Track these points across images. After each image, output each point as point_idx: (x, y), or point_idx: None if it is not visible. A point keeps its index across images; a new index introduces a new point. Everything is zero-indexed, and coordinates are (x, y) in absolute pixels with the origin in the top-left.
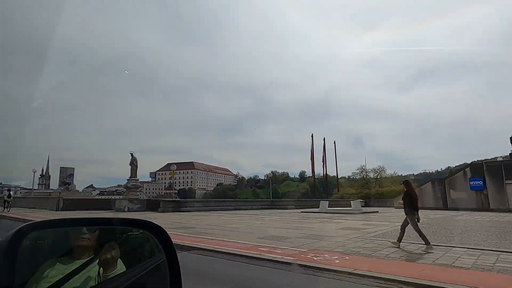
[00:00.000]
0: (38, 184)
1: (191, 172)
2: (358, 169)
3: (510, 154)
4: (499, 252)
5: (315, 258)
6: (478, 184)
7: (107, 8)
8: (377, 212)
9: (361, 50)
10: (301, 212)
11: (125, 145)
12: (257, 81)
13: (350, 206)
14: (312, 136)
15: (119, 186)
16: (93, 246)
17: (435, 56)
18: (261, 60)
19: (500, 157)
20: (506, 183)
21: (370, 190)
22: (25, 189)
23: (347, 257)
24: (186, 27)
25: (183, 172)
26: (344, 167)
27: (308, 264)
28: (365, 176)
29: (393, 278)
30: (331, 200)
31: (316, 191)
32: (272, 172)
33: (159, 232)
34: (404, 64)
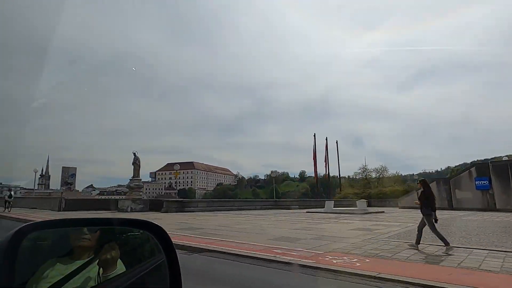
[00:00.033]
0: (38, 184)
1: (191, 172)
2: (360, 169)
3: None
4: None
5: (335, 261)
6: (484, 184)
7: (107, 8)
8: (383, 212)
9: (361, 50)
10: (306, 212)
11: (125, 145)
12: (257, 81)
13: (353, 206)
14: (314, 135)
15: (119, 186)
16: (94, 247)
17: (435, 56)
18: (261, 60)
19: (506, 156)
20: None
21: (373, 190)
22: (25, 189)
23: (367, 260)
24: (186, 27)
25: (183, 172)
26: (344, 167)
27: (328, 267)
28: (367, 176)
29: (421, 283)
30: (334, 200)
31: (317, 191)
32: (272, 172)
33: (159, 232)
34: (404, 64)
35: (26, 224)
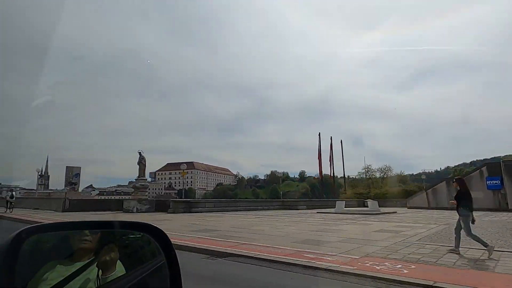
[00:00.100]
0: (38, 184)
1: (191, 172)
2: (363, 169)
3: None
4: None
5: (378, 268)
6: (496, 183)
7: (107, 8)
8: (395, 212)
9: (361, 50)
10: (317, 212)
11: (125, 145)
12: (257, 81)
13: (360, 207)
14: (319, 135)
15: (119, 186)
16: (94, 249)
17: (435, 56)
18: (261, 60)
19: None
20: None
21: (379, 190)
22: (25, 189)
23: (412, 266)
24: (186, 27)
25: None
26: (344, 166)
27: (374, 274)
28: (371, 176)
29: None
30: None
31: (324, 190)
32: (272, 172)
33: (159, 234)
34: (404, 64)
35: (27, 226)
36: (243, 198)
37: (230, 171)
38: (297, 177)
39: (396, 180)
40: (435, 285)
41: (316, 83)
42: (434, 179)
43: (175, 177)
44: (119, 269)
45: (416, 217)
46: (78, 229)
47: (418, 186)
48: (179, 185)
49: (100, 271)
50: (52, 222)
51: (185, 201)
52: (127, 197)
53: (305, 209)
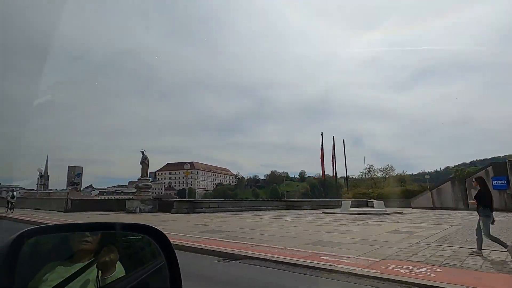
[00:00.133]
0: (38, 184)
1: (191, 172)
2: (365, 169)
3: None
4: None
5: (402, 271)
6: (501, 183)
7: (107, 8)
8: (401, 212)
9: (361, 49)
10: (322, 213)
11: (125, 145)
12: (257, 81)
13: (363, 207)
14: (322, 134)
15: (119, 186)
16: (94, 250)
17: (435, 56)
18: (261, 60)
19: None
20: None
21: (383, 190)
22: (24, 189)
23: (438, 270)
24: (186, 27)
25: (183, 172)
26: (344, 166)
27: (401, 279)
28: (373, 176)
29: None
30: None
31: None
32: (272, 171)
33: (159, 236)
34: (404, 64)
35: (28, 228)
36: (243, 198)
37: (230, 171)
38: (297, 177)
39: (397, 180)
40: None
41: (316, 83)
42: (434, 179)
43: (175, 177)
44: (119, 270)
45: (424, 218)
46: (78, 231)
47: (421, 186)
48: (179, 185)
49: (100, 272)
50: (53, 224)
51: (188, 201)
52: (127, 197)
53: (310, 209)
